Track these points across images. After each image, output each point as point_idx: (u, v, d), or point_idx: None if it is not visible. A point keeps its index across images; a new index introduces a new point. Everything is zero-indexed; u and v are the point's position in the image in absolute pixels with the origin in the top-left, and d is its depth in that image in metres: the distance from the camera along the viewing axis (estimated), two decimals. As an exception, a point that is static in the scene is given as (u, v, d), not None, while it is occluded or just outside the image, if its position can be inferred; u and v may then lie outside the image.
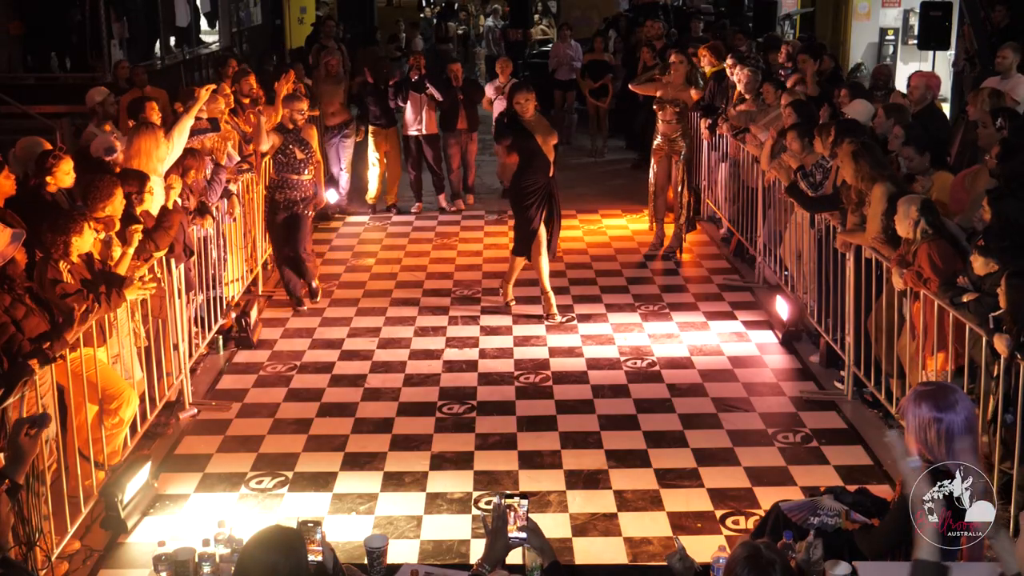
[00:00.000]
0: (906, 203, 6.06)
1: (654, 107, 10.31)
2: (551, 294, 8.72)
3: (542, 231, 8.57)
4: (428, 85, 11.76)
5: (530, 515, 3.84)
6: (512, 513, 3.82)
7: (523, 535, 3.83)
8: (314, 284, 9.15)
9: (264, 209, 9.16)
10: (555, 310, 8.67)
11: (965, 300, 5.49)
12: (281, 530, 3.49)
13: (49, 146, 7.10)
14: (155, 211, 6.78)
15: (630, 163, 14.61)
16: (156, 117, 8.10)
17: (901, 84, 10.99)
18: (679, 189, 10.27)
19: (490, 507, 3.98)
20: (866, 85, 10.19)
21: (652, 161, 10.51)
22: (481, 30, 24.07)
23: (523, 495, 3.88)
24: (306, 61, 12.92)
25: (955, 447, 3.68)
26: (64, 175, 6.55)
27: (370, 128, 12.19)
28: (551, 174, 8.52)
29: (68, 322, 5.38)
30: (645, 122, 13.69)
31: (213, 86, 8.34)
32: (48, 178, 6.49)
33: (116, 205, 6.15)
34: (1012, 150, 6.36)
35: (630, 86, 11.07)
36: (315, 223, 11.77)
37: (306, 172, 8.83)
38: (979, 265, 5.45)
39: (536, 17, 23.87)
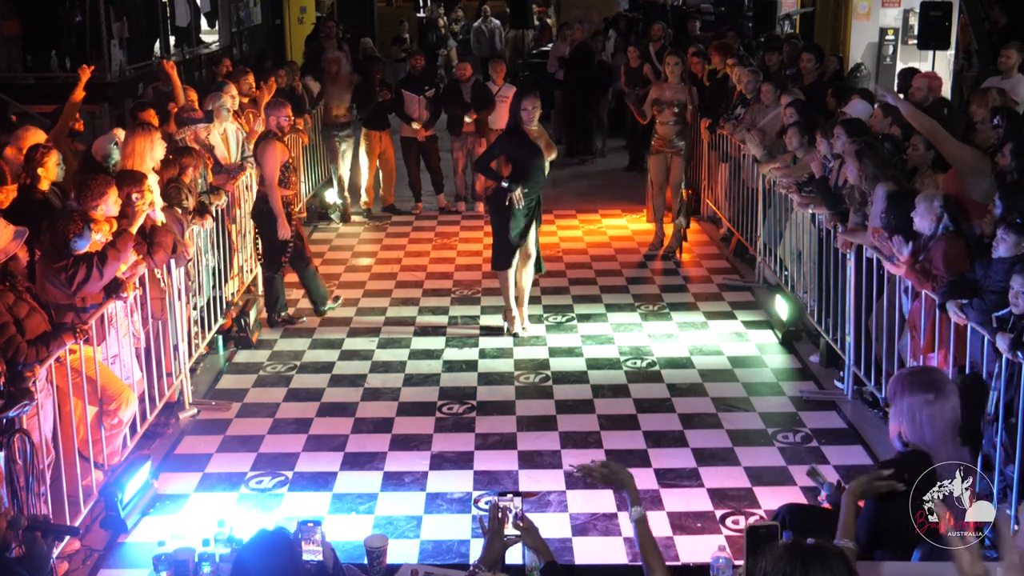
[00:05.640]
0: (928, 198, 6.00)
1: (653, 109, 10.31)
2: (524, 309, 8.44)
3: (530, 244, 8.18)
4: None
5: (530, 515, 3.85)
6: (507, 513, 3.84)
7: (517, 534, 3.84)
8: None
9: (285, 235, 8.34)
10: (526, 323, 8.42)
11: (964, 302, 5.46)
12: (276, 533, 3.50)
13: (44, 136, 7.12)
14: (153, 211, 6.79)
15: (625, 165, 14.61)
16: (154, 119, 8.10)
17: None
18: (678, 188, 10.29)
19: (487, 508, 3.99)
20: (867, 86, 10.19)
21: (649, 161, 10.53)
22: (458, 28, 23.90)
23: (517, 494, 3.88)
24: (313, 62, 12.94)
25: (940, 431, 3.71)
26: (54, 166, 6.61)
27: (363, 131, 12.18)
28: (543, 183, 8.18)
29: (67, 330, 5.38)
30: (633, 123, 13.71)
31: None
32: (39, 170, 6.52)
33: (110, 204, 6.15)
34: None
35: (639, 117, 10.90)
36: (315, 224, 11.85)
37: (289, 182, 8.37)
38: (1010, 245, 5.33)
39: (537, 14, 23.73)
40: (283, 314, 8.64)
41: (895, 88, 10.18)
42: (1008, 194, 5.77)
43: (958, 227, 5.93)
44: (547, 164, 8.11)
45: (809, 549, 2.81)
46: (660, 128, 10.25)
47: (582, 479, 6.00)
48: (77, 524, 5.41)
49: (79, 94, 8.03)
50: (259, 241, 8.62)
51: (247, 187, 9.22)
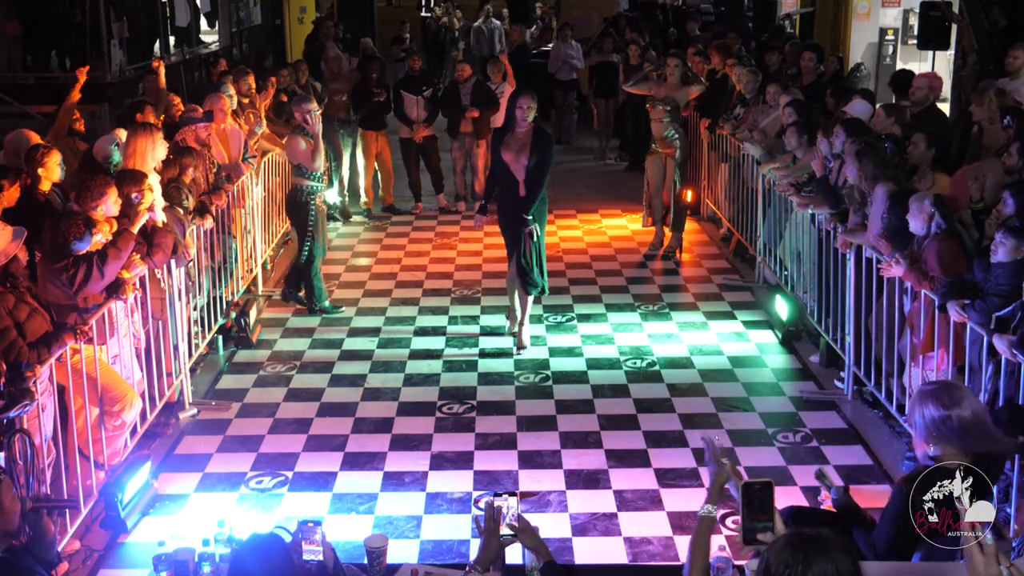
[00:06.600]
0: (919, 199, 6.02)
1: (646, 106, 10.32)
2: (525, 328, 8.15)
3: (525, 254, 7.82)
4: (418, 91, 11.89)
5: (530, 515, 3.84)
6: (503, 512, 3.84)
7: (512, 533, 3.84)
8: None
9: (314, 217, 8.75)
10: (525, 342, 8.12)
11: (967, 303, 5.45)
12: (271, 536, 3.50)
13: (38, 138, 7.12)
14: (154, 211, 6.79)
15: (625, 165, 14.62)
16: (153, 118, 8.10)
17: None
18: (671, 191, 10.29)
19: (483, 508, 3.99)
20: (867, 86, 10.21)
21: (646, 162, 10.53)
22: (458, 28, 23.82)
23: (512, 493, 3.88)
24: (313, 63, 12.99)
25: (971, 439, 3.69)
26: (55, 166, 6.61)
27: (359, 131, 12.18)
28: (523, 194, 7.72)
29: (67, 330, 5.38)
30: (635, 124, 13.73)
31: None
32: (40, 170, 6.52)
33: (109, 204, 6.14)
34: None
35: (624, 87, 11.03)
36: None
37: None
38: (1009, 249, 5.29)
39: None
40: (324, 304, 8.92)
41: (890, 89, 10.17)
42: (1019, 192, 5.74)
43: (950, 225, 5.93)
44: (521, 167, 7.80)
45: (810, 539, 2.81)
46: (653, 126, 10.27)
47: (582, 479, 6.07)
48: (77, 523, 5.42)
49: (75, 95, 8.00)
50: (296, 234, 8.92)
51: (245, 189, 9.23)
